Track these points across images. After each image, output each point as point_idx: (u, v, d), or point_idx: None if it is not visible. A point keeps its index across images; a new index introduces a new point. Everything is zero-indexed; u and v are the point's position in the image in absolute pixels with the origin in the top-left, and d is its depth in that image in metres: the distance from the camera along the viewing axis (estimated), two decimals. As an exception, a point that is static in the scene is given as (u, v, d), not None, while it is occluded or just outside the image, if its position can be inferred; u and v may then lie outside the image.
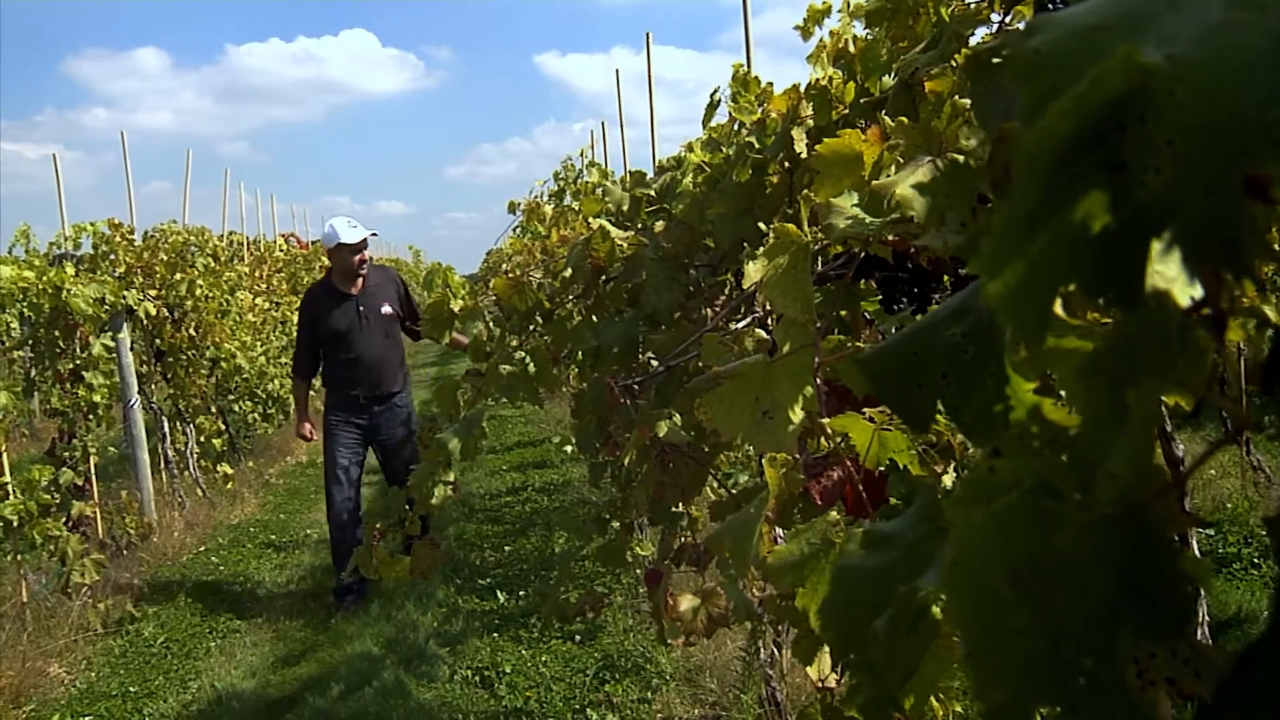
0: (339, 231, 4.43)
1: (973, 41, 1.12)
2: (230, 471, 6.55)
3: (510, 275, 2.31)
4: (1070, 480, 0.31)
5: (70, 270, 4.74)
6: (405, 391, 4.72)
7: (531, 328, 2.27)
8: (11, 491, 3.97)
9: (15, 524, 3.92)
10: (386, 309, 4.57)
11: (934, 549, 0.45)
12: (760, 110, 1.87)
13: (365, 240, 4.52)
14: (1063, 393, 0.41)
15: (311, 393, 5.04)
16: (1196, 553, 1.69)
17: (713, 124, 2.17)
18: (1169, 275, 0.27)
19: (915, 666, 0.42)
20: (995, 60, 0.63)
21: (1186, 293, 0.28)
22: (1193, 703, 0.30)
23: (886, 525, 0.50)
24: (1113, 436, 0.29)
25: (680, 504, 1.82)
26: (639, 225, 2.39)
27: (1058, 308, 0.29)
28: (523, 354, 2.19)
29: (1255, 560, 3.78)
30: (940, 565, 0.38)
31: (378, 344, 4.53)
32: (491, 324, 2.37)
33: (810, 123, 1.63)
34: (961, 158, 0.78)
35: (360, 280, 4.54)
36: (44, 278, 4.47)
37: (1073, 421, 0.37)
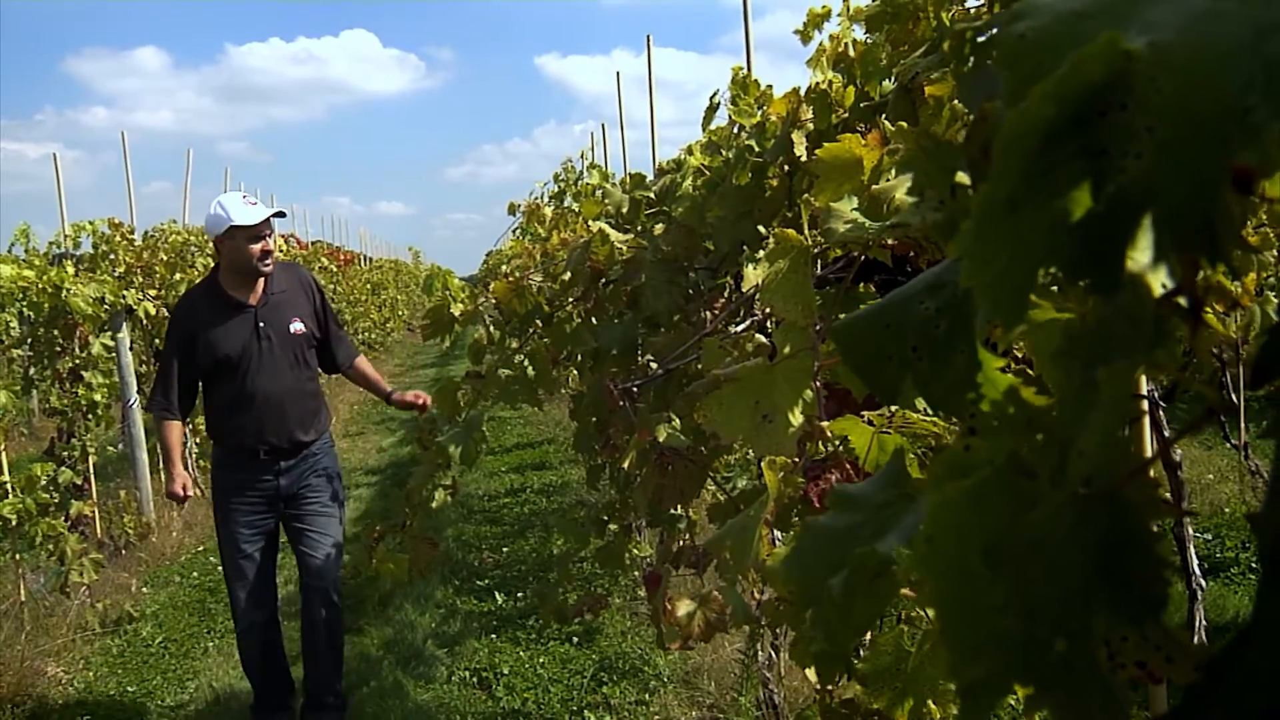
0: (230, 210, 2.98)
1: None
2: (229, 472, 6.55)
3: (510, 278, 2.32)
4: (1046, 459, 0.31)
5: (70, 270, 4.74)
6: (325, 438, 3.30)
7: (531, 330, 2.28)
8: (10, 490, 3.97)
9: (14, 523, 3.92)
10: (296, 326, 3.16)
11: (900, 513, 0.45)
12: (760, 113, 1.88)
13: (269, 224, 3.06)
14: (1030, 371, 0.41)
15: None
16: (1194, 556, 1.69)
17: (712, 127, 2.18)
18: (1145, 261, 0.28)
19: (870, 624, 0.43)
20: (980, 40, 0.64)
21: (1162, 278, 0.28)
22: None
23: (855, 487, 0.51)
24: (1086, 416, 0.30)
25: (679, 507, 1.82)
26: (639, 228, 2.40)
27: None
28: (522, 357, 2.19)
29: (1253, 565, 3.77)
30: (913, 538, 0.38)
31: (283, 375, 3.12)
32: (491, 327, 2.38)
33: (810, 126, 1.64)
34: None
35: (261, 285, 3.13)
36: (44, 277, 4.47)
37: (1047, 402, 0.37)
